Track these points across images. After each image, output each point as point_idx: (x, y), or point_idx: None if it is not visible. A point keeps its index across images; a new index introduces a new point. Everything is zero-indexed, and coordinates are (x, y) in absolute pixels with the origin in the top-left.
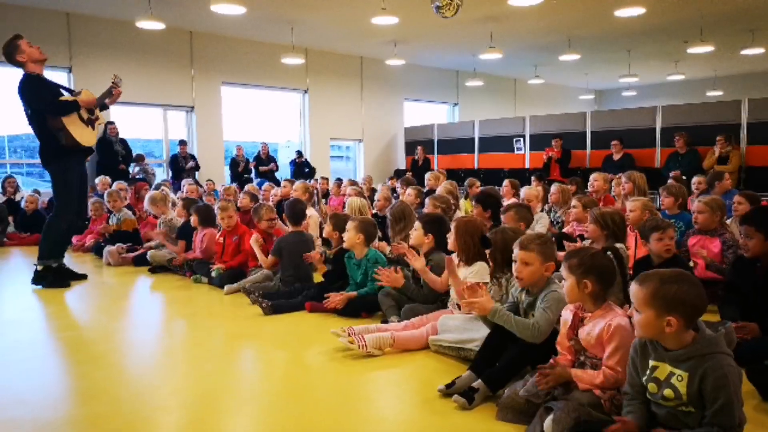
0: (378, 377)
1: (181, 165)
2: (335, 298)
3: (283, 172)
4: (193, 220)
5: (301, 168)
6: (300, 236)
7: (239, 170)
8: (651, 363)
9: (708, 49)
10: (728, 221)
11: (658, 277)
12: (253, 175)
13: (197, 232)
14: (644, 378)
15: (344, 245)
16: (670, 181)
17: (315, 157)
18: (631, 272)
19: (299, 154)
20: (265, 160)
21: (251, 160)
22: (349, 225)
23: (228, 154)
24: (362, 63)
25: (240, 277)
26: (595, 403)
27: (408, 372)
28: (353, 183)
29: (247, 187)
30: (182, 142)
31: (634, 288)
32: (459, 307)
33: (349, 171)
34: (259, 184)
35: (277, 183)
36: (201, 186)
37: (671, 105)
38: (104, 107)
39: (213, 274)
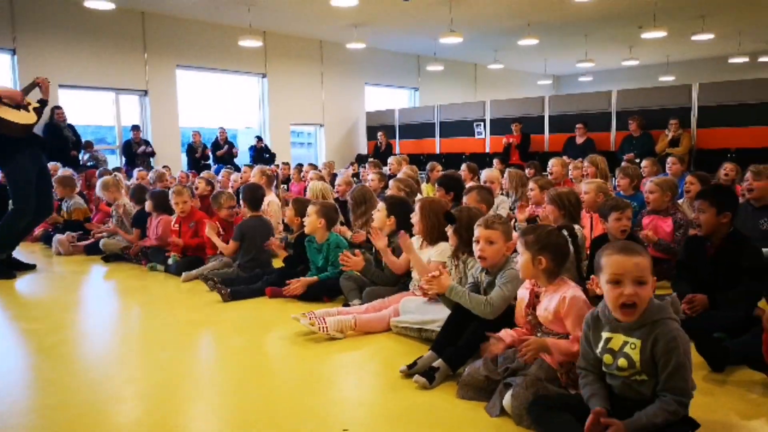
0: (340, 360)
1: (135, 151)
2: (295, 284)
3: (243, 158)
4: (148, 205)
5: (261, 153)
6: (260, 221)
7: (197, 156)
8: (604, 335)
9: (661, 34)
10: (680, 202)
11: (640, 246)
12: (211, 161)
13: (152, 218)
14: (598, 350)
15: (305, 230)
16: (624, 163)
17: (275, 143)
18: (588, 251)
19: (259, 139)
20: (224, 146)
21: (209, 146)
22: (310, 209)
23: (184, 140)
24: (322, 47)
25: (197, 264)
26: (552, 377)
27: (370, 354)
28: (314, 167)
29: (204, 173)
30: (135, 128)
31: (638, 260)
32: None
33: (311, 157)
34: (217, 170)
35: (237, 169)
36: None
37: (626, 89)
38: (44, 103)
39: (169, 261)
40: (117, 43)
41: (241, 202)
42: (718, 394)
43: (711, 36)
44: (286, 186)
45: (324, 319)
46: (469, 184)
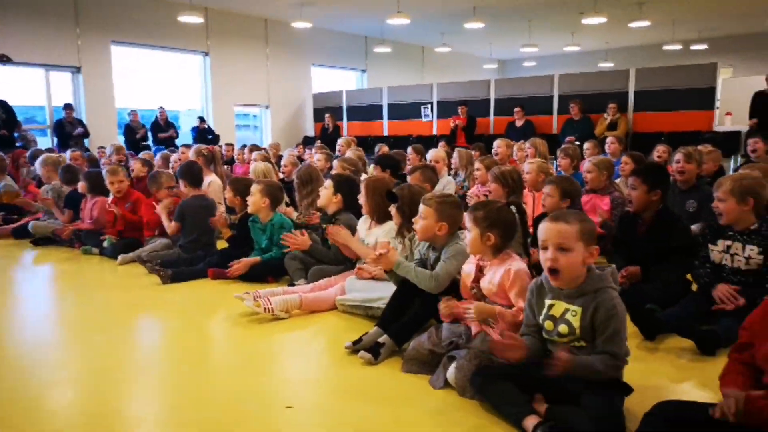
0: (285, 339)
1: (68, 131)
2: (238, 265)
3: (185, 139)
4: (81, 186)
5: (204, 135)
6: (202, 200)
7: (136, 137)
8: (547, 302)
9: (601, 20)
10: (617, 181)
11: (576, 214)
12: (150, 142)
13: (86, 200)
14: (541, 317)
15: (249, 209)
16: (564, 144)
17: (219, 124)
18: (531, 229)
19: (201, 120)
20: (164, 127)
21: (148, 127)
22: (254, 189)
23: (122, 120)
24: (267, 25)
25: (135, 247)
26: None
27: (315, 332)
28: (257, 148)
29: (141, 154)
30: (68, 106)
31: (561, 227)
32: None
33: (257, 139)
34: (156, 152)
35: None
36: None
37: (567, 74)
38: None
39: (105, 244)
40: (46, 16)
41: (179, 181)
42: (650, 361)
43: (647, 23)
44: (230, 167)
45: (269, 299)
46: (413, 164)
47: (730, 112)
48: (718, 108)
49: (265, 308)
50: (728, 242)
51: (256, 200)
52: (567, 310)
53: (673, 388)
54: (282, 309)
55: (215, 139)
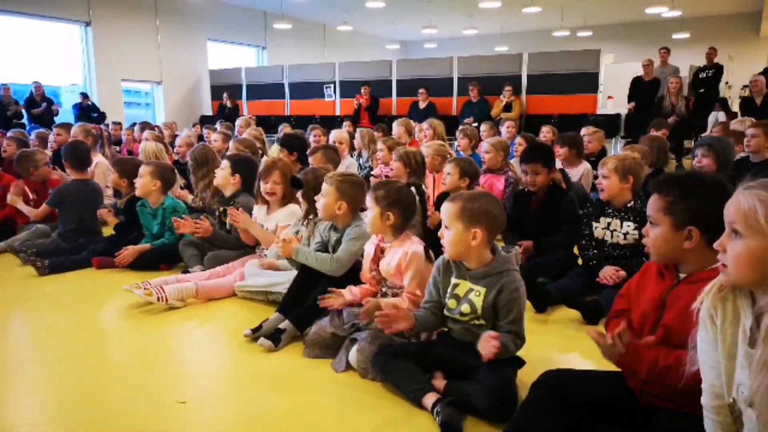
0: (180, 330)
1: None
2: (126, 253)
3: (66, 117)
4: None
5: (87, 112)
6: (85, 185)
7: (7, 114)
8: (453, 281)
9: (496, 4)
10: (512, 161)
11: (466, 195)
12: (25, 120)
13: None
14: (446, 295)
15: (136, 192)
16: (463, 126)
17: (105, 101)
18: (431, 208)
19: (84, 96)
20: (40, 103)
21: (22, 102)
22: (143, 170)
23: None
24: None
25: (7, 235)
26: None
27: (213, 321)
28: (149, 126)
29: (10, 133)
30: None
31: (444, 207)
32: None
33: (149, 117)
34: (30, 130)
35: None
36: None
37: (466, 57)
38: None
39: None
40: None
41: (64, 163)
42: (541, 333)
43: (539, 9)
44: (117, 148)
45: (162, 288)
46: (315, 145)
47: (612, 96)
48: (601, 92)
49: (158, 297)
50: (608, 219)
51: (145, 182)
52: (471, 290)
53: (561, 357)
54: (176, 298)
55: (100, 117)
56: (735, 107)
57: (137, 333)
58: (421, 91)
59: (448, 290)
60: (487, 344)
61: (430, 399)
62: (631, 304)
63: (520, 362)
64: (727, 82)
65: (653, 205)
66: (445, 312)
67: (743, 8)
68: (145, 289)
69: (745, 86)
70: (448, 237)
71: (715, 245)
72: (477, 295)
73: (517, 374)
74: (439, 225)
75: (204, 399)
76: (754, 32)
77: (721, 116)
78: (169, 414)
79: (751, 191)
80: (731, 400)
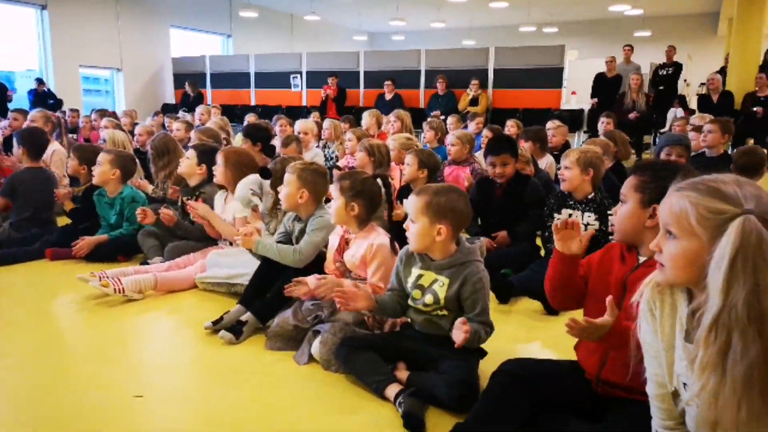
0: (138, 322)
1: None
2: (82, 243)
3: (22, 103)
4: None
5: (43, 99)
6: (40, 173)
7: None
8: (417, 271)
9: None
10: (476, 154)
11: (433, 189)
12: None
13: None
14: (409, 285)
15: (94, 181)
16: (430, 118)
17: (61, 87)
18: (396, 201)
19: (40, 82)
20: None
21: None
22: (103, 158)
23: None
24: None
25: None
26: (359, 320)
27: (172, 313)
28: (108, 113)
29: None
30: None
31: (411, 199)
32: (231, 244)
33: (109, 105)
34: None
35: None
36: None
37: (434, 50)
38: None
39: None
40: None
41: (19, 149)
42: (504, 323)
43: (506, 4)
44: (74, 136)
45: (119, 279)
46: (286, 135)
47: (575, 92)
48: (565, 87)
49: (115, 289)
50: (570, 211)
51: (103, 170)
52: (435, 280)
53: (523, 348)
54: (134, 290)
55: (57, 103)
56: (693, 104)
57: (93, 326)
58: (387, 83)
59: (412, 281)
60: (458, 331)
61: (392, 390)
62: (588, 275)
63: (483, 353)
64: (685, 80)
65: (627, 183)
66: (410, 302)
67: (702, 8)
68: (101, 279)
69: (702, 84)
70: (413, 230)
71: (651, 245)
72: (441, 286)
73: (479, 364)
74: (404, 218)
75: (162, 393)
76: (711, 32)
77: (680, 113)
78: (126, 409)
79: (681, 192)
80: (673, 388)
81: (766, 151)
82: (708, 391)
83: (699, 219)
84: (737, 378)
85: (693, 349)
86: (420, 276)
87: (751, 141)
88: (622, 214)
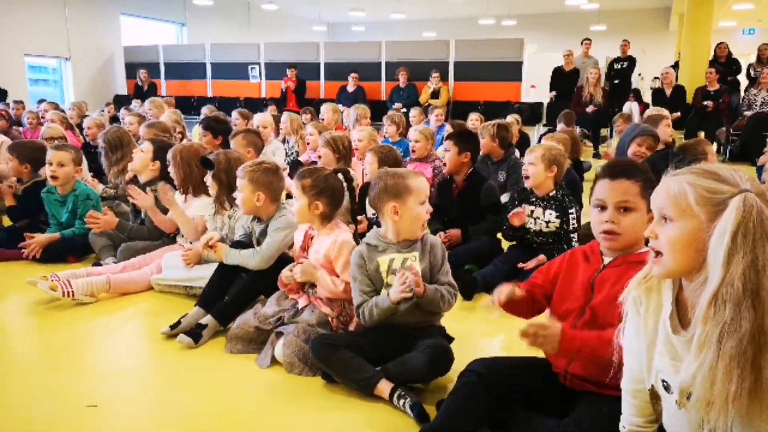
0: (90, 327)
1: None
2: (31, 241)
3: None
4: None
5: None
6: None
7: None
8: (381, 259)
9: None
10: (437, 150)
11: (381, 185)
12: None
13: None
14: (383, 274)
15: (57, 182)
16: (391, 111)
17: (5, 77)
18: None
19: None
20: None
21: None
22: (65, 158)
23: None
24: None
25: None
26: (324, 321)
27: (127, 317)
28: (53, 106)
29: None
30: None
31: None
32: (190, 242)
33: (57, 96)
34: None
35: None
36: None
37: (394, 41)
38: None
39: None
40: None
41: None
42: (467, 319)
43: None
44: (20, 129)
45: (69, 281)
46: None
47: (534, 85)
48: (524, 80)
49: (64, 292)
50: (532, 207)
51: (68, 171)
52: (406, 258)
53: (487, 344)
54: (85, 293)
55: (1, 94)
56: (647, 98)
57: (42, 330)
58: (353, 75)
59: (383, 269)
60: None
61: (385, 386)
62: (547, 282)
63: (449, 339)
64: (639, 74)
65: (629, 191)
66: (385, 290)
67: (655, 3)
68: (51, 281)
69: (656, 78)
70: (387, 225)
71: (646, 233)
72: (414, 260)
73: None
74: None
75: (117, 401)
76: (664, 27)
77: (635, 106)
78: (79, 419)
79: (678, 177)
80: (650, 385)
81: (712, 144)
82: (705, 368)
83: (698, 198)
84: (729, 352)
85: (691, 329)
86: (392, 260)
87: (702, 134)
88: (633, 222)
